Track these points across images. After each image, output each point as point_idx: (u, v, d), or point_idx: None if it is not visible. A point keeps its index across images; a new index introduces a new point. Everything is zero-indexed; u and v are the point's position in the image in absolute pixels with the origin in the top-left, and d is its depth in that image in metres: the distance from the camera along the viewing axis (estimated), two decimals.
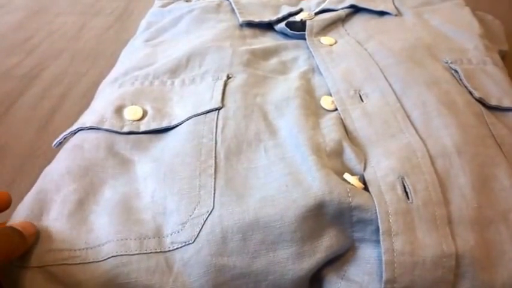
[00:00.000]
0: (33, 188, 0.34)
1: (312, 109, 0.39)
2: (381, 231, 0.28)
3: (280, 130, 0.36)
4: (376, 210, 0.29)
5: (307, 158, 0.32)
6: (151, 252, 0.29)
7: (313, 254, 0.28)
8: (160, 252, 0.29)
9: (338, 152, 0.34)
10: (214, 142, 0.35)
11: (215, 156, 0.34)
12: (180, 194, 0.31)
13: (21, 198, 0.40)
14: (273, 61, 0.47)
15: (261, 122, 0.37)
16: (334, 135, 0.35)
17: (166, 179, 0.33)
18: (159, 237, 0.29)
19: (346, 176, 0.31)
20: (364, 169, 0.32)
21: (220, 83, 0.42)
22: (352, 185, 0.31)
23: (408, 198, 0.29)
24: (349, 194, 0.29)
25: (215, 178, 0.32)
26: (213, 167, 0.33)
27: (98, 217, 0.31)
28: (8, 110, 0.52)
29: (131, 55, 0.50)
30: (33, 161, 0.45)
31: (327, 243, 0.29)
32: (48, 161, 0.44)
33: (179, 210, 0.30)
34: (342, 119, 0.37)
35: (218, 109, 0.38)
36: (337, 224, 0.30)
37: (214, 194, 0.31)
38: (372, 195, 0.30)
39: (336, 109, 0.39)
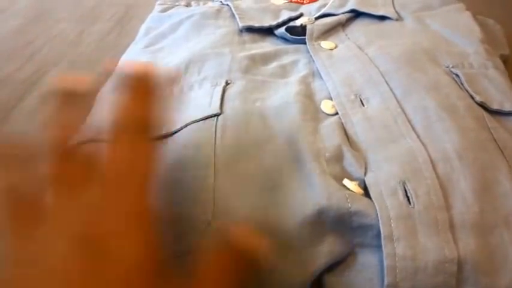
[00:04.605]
0: None
1: (312, 114, 0.38)
2: (382, 236, 0.28)
3: (279, 136, 0.36)
4: (376, 215, 0.29)
5: (306, 165, 0.32)
6: None
7: (313, 261, 0.28)
8: None
9: (338, 157, 0.34)
10: (213, 148, 0.35)
11: (214, 164, 0.34)
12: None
13: None
14: (273, 65, 0.47)
15: (260, 127, 0.37)
16: (334, 140, 0.35)
17: (164, 193, 0.32)
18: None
19: (346, 181, 0.31)
20: (365, 174, 0.32)
21: (219, 89, 0.42)
22: (351, 190, 0.30)
23: (410, 203, 0.29)
24: (348, 200, 0.29)
25: (214, 191, 0.32)
26: (213, 178, 0.33)
27: None
28: (8, 115, 0.52)
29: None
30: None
31: (327, 249, 0.29)
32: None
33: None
34: (342, 123, 0.37)
35: (217, 115, 0.38)
36: (337, 230, 0.29)
37: (213, 207, 0.31)
38: (372, 200, 0.30)
39: (337, 113, 0.39)
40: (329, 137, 0.35)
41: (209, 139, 0.36)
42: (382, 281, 0.27)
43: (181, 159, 0.34)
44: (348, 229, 0.29)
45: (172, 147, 0.36)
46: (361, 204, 0.29)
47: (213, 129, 0.36)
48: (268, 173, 0.33)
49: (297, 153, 0.34)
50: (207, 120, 0.38)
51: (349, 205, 0.29)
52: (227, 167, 0.34)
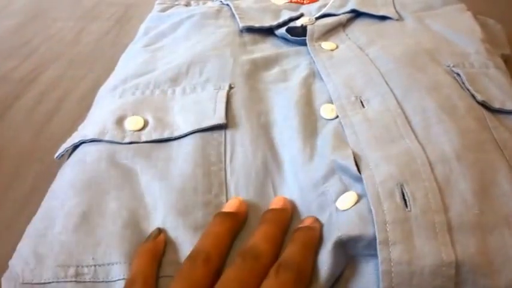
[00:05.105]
0: (40, 206, 0.34)
1: (311, 125, 0.39)
2: (377, 241, 0.27)
3: (284, 163, 0.36)
4: (365, 227, 0.28)
5: (305, 197, 0.33)
6: (162, 276, 0.28)
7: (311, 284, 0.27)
8: (169, 277, 0.28)
9: (334, 170, 0.34)
10: (224, 173, 0.35)
11: (226, 191, 0.34)
12: (194, 227, 0.31)
13: (17, 203, 0.40)
14: (274, 70, 0.47)
15: (267, 149, 0.37)
16: (330, 153, 0.35)
17: (179, 210, 0.32)
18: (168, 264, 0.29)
19: (338, 203, 0.31)
20: (363, 174, 0.32)
21: (223, 94, 0.42)
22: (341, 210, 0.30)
23: (407, 206, 0.29)
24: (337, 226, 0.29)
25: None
26: (225, 203, 0.33)
27: (105, 231, 0.31)
28: (4, 114, 0.52)
29: (130, 61, 0.50)
30: (30, 166, 0.44)
31: (325, 273, 0.28)
32: (45, 165, 0.43)
33: (192, 243, 0.30)
34: (340, 129, 0.37)
35: (223, 126, 0.38)
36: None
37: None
38: (368, 202, 0.29)
39: (336, 116, 0.39)
40: (326, 149, 0.35)
41: (219, 160, 0.36)
42: (378, 287, 0.27)
43: (193, 178, 0.34)
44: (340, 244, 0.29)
45: (179, 157, 0.36)
46: (350, 223, 0.29)
47: (222, 147, 0.37)
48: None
49: (297, 183, 0.34)
50: (215, 133, 0.38)
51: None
52: (237, 194, 0.34)
